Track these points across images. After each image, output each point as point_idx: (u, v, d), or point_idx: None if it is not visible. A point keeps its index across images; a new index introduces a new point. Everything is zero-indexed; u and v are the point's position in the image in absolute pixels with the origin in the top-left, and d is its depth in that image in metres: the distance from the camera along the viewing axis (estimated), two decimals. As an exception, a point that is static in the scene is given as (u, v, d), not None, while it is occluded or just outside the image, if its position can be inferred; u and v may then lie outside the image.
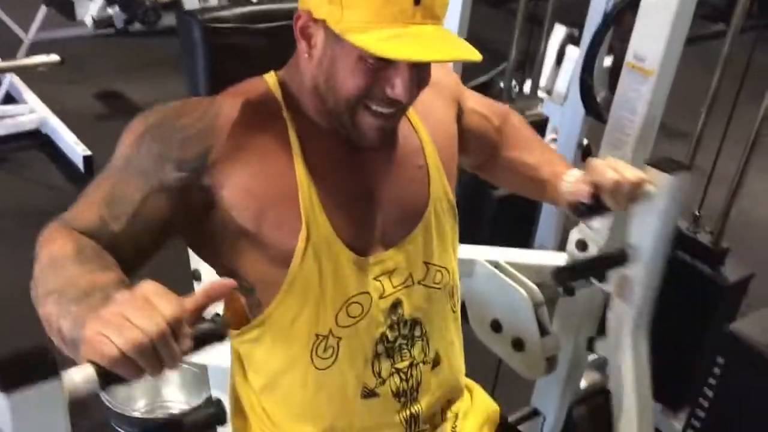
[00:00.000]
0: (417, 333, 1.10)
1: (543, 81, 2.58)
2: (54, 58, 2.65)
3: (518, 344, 1.51)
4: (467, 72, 2.35)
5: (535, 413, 1.84)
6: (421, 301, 1.10)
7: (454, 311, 1.18)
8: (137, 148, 0.96)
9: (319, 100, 0.99)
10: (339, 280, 1.02)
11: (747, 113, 1.96)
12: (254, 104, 1.01)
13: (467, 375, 1.26)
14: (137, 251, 0.95)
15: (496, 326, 1.54)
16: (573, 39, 2.66)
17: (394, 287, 1.06)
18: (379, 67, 0.92)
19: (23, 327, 2.37)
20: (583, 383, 2.10)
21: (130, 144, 0.97)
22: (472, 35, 2.12)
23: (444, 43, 0.91)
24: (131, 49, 3.95)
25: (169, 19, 3.92)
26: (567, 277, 1.34)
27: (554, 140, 2.68)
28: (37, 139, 3.18)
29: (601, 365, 2.26)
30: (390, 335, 1.07)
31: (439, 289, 1.12)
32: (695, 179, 2.06)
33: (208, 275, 1.12)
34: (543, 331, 1.48)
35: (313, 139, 1.01)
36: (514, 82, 2.35)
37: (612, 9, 2.29)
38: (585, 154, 2.74)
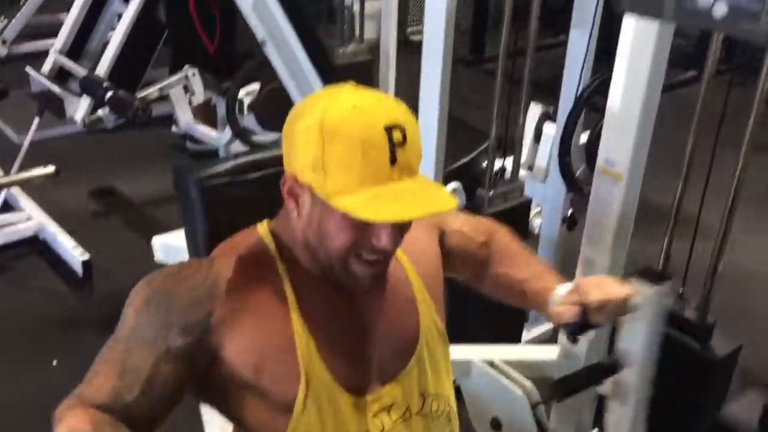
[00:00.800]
0: None
1: (523, 158, 2.67)
2: (49, 169, 2.73)
3: (519, 441, 1.56)
4: (450, 153, 2.45)
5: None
6: (419, 431, 1.14)
7: None
8: (143, 317, 1.02)
9: (311, 252, 1.05)
10: (339, 422, 1.07)
11: (726, 162, 1.92)
12: (249, 261, 1.07)
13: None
14: (153, 417, 1.00)
15: (495, 424, 1.59)
16: (549, 116, 2.76)
17: (393, 422, 1.11)
18: (364, 222, 0.99)
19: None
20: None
21: (135, 313, 1.02)
22: (452, 114, 2.21)
23: (421, 199, 0.98)
24: (122, 143, 4.03)
25: (158, 109, 4.04)
26: (563, 393, 1.38)
27: (539, 213, 2.77)
28: (36, 246, 3.23)
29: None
30: None
31: (436, 417, 1.16)
32: (679, 248, 2.13)
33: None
34: (541, 428, 1.53)
35: (307, 288, 1.07)
36: (497, 165, 2.43)
37: (583, 91, 2.41)
38: (570, 224, 2.82)
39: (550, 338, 2.68)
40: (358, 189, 0.95)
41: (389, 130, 0.95)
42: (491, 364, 1.61)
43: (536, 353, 1.68)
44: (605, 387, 1.41)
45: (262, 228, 1.12)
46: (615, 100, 1.44)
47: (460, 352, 1.65)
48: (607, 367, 1.34)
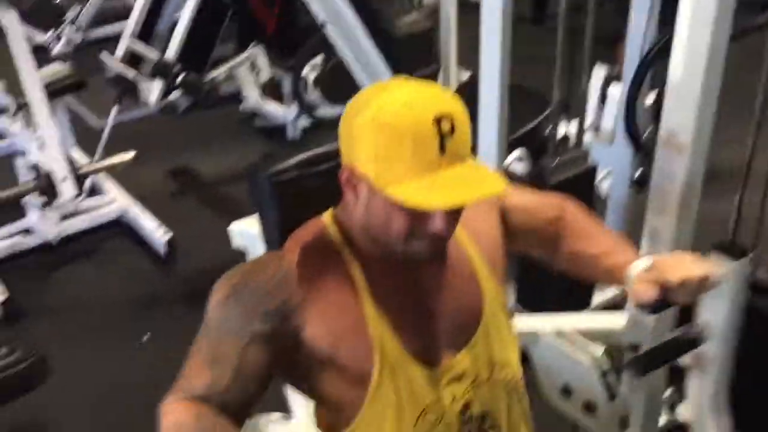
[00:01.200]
0: (487, 425, 1.22)
1: (589, 121, 2.65)
2: (130, 155, 2.88)
3: (589, 407, 1.60)
4: (513, 121, 2.44)
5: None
6: (488, 397, 1.21)
7: (519, 400, 1.28)
8: (225, 310, 1.11)
9: (371, 237, 1.12)
10: (413, 393, 1.14)
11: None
12: (317, 249, 1.15)
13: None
14: (246, 401, 1.11)
15: (566, 391, 1.64)
16: (614, 77, 2.72)
17: (463, 390, 1.18)
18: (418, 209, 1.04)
19: (117, 418, 2.51)
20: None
21: (218, 308, 1.12)
22: (514, 77, 2.17)
23: (470, 184, 1.03)
24: (194, 122, 4.13)
25: (225, 88, 4.15)
26: (644, 369, 1.37)
27: (606, 177, 2.74)
28: (120, 227, 3.39)
29: (673, 403, 2.30)
30: None
31: (504, 383, 1.23)
32: (753, 213, 2.06)
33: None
34: (611, 394, 1.56)
35: (372, 269, 1.14)
36: (562, 131, 2.42)
37: (647, 53, 2.36)
38: (642, 182, 2.77)
39: (621, 300, 2.68)
40: (410, 178, 1.01)
41: (438, 121, 1.01)
42: (560, 333, 1.65)
43: (604, 320, 1.71)
44: (686, 358, 1.41)
45: (327, 217, 1.19)
46: (676, 71, 1.43)
47: (528, 321, 1.70)
48: (689, 341, 1.34)
